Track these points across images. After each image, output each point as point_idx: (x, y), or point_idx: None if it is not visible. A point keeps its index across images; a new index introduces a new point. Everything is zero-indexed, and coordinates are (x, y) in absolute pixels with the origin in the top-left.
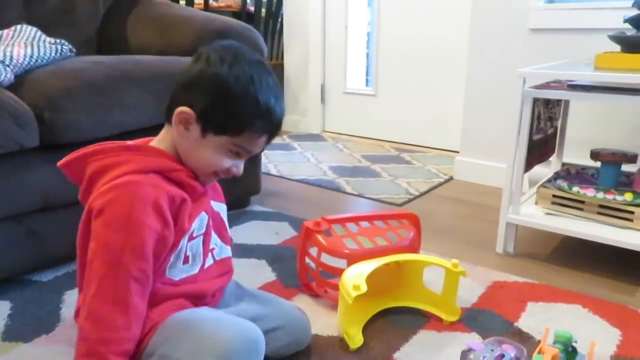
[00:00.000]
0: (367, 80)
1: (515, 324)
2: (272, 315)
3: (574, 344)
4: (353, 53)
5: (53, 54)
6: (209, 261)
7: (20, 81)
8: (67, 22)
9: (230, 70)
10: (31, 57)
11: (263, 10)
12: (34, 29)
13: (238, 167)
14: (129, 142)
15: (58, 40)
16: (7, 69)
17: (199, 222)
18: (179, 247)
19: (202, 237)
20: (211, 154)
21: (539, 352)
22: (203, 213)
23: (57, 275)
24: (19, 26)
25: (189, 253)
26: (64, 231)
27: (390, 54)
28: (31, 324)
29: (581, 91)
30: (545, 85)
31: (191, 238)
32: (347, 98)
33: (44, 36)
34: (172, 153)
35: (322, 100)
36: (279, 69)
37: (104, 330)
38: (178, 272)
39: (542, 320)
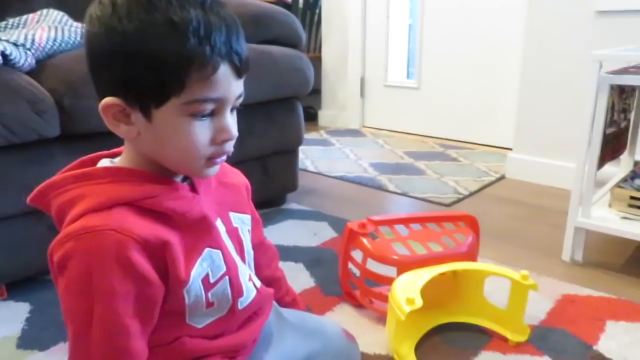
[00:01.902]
0: (408, 73)
1: (595, 348)
2: (318, 353)
3: None
4: (394, 44)
5: (78, 38)
6: (242, 301)
7: (42, 66)
8: None
9: (114, 13)
10: (54, 40)
11: (300, 0)
12: (61, 13)
13: (224, 128)
14: (91, 168)
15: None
16: (28, 52)
17: (209, 264)
18: (190, 300)
19: (227, 278)
20: (179, 134)
21: None
22: (208, 251)
23: None
24: (45, 10)
25: (213, 300)
26: None
27: (435, 44)
28: (50, 329)
29: None
30: (623, 71)
31: (210, 286)
32: (387, 91)
33: (70, 20)
34: (148, 163)
35: (362, 94)
36: (317, 61)
37: None
38: (201, 317)
39: (626, 344)
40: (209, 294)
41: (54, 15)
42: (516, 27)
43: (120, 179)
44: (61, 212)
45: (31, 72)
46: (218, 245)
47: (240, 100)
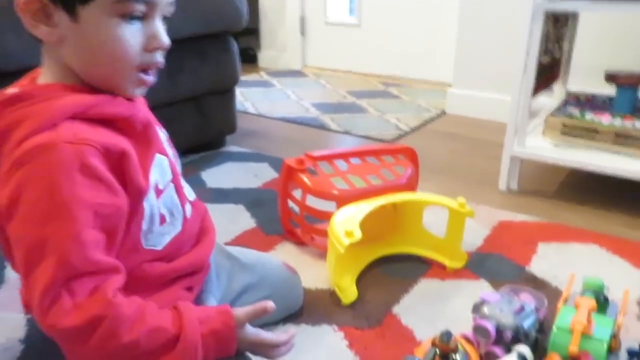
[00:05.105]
0: (350, 9)
1: (527, 269)
2: (259, 284)
3: (605, 292)
4: None
5: None
6: (188, 209)
7: None
8: None
9: None
10: None
11: None
12: None
13: (155, 34)
14: (10, 91)
15: None
16: None
17: (159, 170)
18: (147, 212)
19: (172, 185)
20: (108, 36)
21: (565, 302)
22: (158, 156)
23: None
24: None
25: (163, 211)
26: None
27: None
28: None
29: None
30: None
31: (160, 193)
32: (328, 29)
33: None
34: (74, 78)
35: (302, 32)
36: (254, 0)
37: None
38: (158, 237)
39: (556, 263)
40: (160, 203)
41: None
42: None
43: (59, 94)
44: None
45: None
46: (164, 151)
47: (172, 9)
